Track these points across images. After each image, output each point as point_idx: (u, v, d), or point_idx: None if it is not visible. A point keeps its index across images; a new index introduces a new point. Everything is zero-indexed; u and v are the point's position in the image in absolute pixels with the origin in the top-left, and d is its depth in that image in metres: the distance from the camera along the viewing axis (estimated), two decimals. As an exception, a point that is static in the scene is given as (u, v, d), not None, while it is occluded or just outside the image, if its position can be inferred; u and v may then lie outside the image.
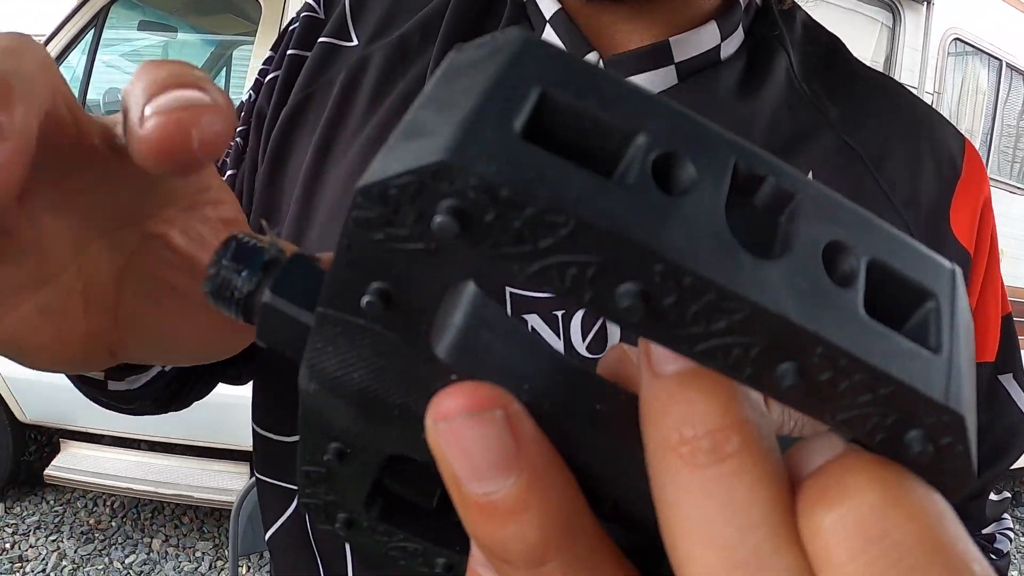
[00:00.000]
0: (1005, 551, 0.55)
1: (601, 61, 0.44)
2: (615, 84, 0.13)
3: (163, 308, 0.26)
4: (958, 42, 2.40)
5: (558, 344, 0.42)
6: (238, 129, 0.53)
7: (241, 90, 2.44)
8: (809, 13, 0.53)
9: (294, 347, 0.17)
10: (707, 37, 0.45)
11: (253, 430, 0.50)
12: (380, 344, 0.16)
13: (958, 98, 2.53)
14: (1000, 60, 2.75)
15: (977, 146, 2.53)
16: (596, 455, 0.16)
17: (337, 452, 0.19)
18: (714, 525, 0.13)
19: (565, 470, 0.15)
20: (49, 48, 2.34)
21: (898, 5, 2.26)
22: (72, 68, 2.49)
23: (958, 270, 0.15)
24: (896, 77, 2.29)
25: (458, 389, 0.14)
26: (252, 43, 2.31)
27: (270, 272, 0.18)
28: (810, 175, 0.44)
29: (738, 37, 0.47)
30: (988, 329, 0.50)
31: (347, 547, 0.46)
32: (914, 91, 2.24)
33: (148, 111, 0.20)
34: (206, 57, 3.00)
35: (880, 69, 2.22)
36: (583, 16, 0.45)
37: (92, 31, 2.40)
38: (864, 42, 2.26)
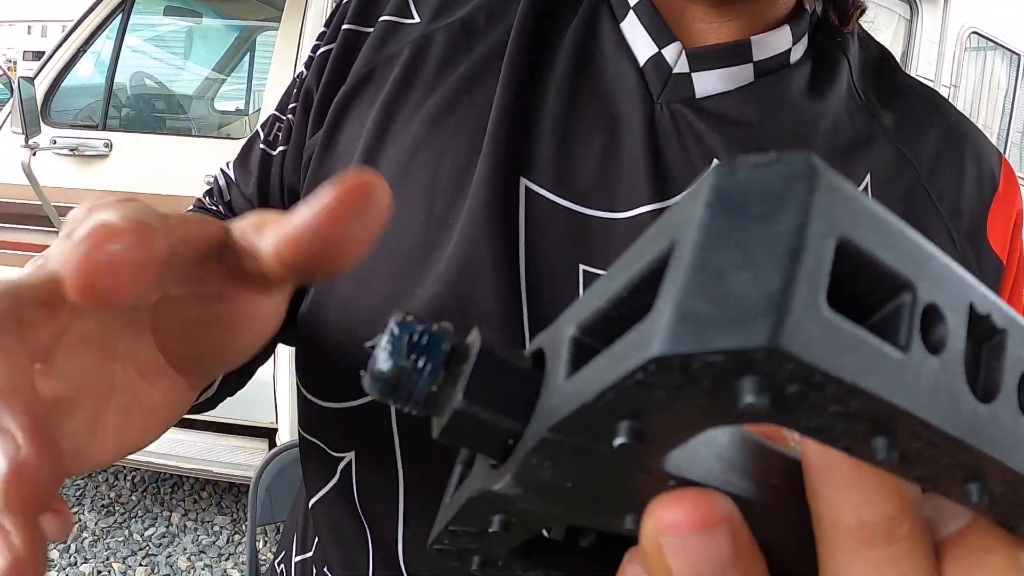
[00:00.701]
0: None
1: (684, 52, 0.45)
2: (894, 226, 0.13)
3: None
4: (976, 36, 2.41)
5: None
6: (290, 106, 0.54)
7: (265, 76, 2.47)
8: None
9: (481, 446, 0.17)
10: (781, 40, 0.47)
11: (299, 393, 0.50)
12: (603, 459, 0.15)
13: (975, 92, 2.53)
14: (1019, 55, 2.75)
15: (993, 140, 2.53)
16: (775, 531, 0.17)
17: (502, 523, 0.18)
18: None
19: (763, 559, 0.16)
20: (77, 33, 2.39)
21: (917, -1, 2.28)
22: (97, 53, 2.54)
23: None
24: (913, 70, 2.30)
25: (684, 501, 0.15)
26: (276, 29, 2.35)
27: (453, 366, 0.17)
28: (868, 178, 0.47)
29: (803, 43, 0.49)
30: None
31: (399, 513, 0.46)
32: (931, 84, 2.24)
33: (320, 201, 0.22)
34: (230, 42, 3.05)
35: (897, 61, 2.21)
36: (667, 7, 0.47)
37: (120, 16, 2.44)
38: (882, 34, 2.27)
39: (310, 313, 0.49)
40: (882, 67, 0.53)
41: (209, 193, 0.60)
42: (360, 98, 0.50)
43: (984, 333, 0.15)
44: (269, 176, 0.55)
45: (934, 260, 0.14)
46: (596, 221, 0.44)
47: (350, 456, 0.48)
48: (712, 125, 0.45)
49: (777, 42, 0.47)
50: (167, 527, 2.55)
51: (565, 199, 0.44)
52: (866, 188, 0.46)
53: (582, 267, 0.43)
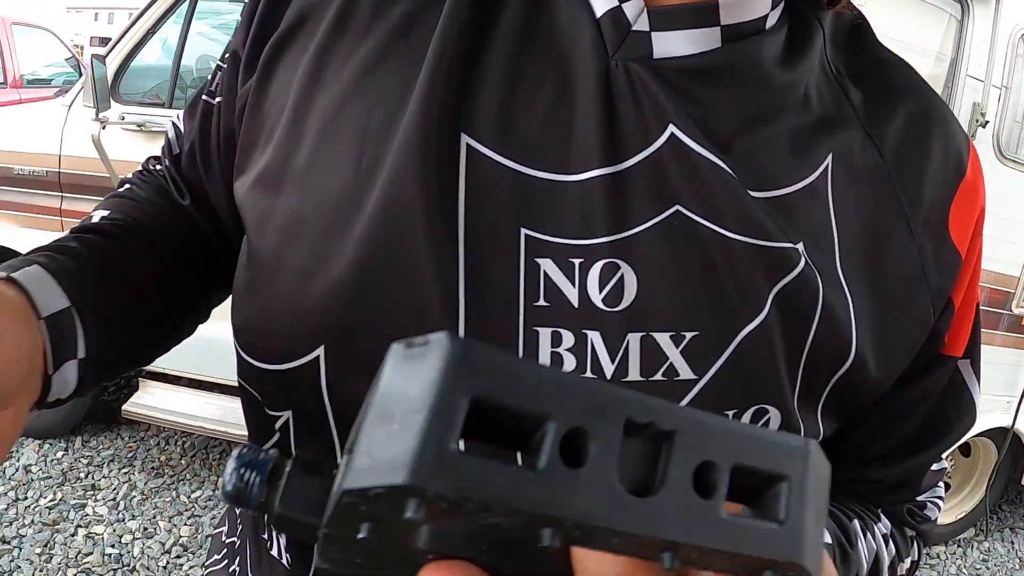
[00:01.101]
0: (932, 518, 0.59)
1: (646, 10, 0.42)
2: (531, 374, 0.18)
3: None
4: (1029, 38, 2.39)
5: (572, 292, 0.41)
6: (225, 56, 0.53)
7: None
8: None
9: (304, 535, 0.23)
10: (759, 5, 0.44)
11: (236, 350, 0.49)
12: (367, 545, 0.21)
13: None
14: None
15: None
16: None
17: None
18: None
19: None
20: (145, 17, 2.50)
21: (970, -1, 2.27)
22: (164, 39, 2.65)
23: (812, 446, 0.20)
24: (963, 70, 2.29)
25: (432, 572, 0.21)
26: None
27: (274, 480, 0.23)
28: (829, 158, 0.45)
29: (780, 7, 0.46)
30: (963, 328, 0.52)
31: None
32: (982, 84, 2.19)
33: None
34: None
35: (948, 62, 2.16)
36: None
37: (187, 2, 2.54)
38: (932, 33, 2.27)
39: (240, 273, 0.48)
40: (854, 36, 0.50)
41: (163, 148, 0.60)
42: (293, 44, 0.47)
43: (655, 436, 0.19)
44: (209, 125, 0.54)
45: (580, 394, 0.18)
46: (542, 183, 0.41)
47: (287, 415, 0.48)
48: (670, 88, 0.42)
49: (753, 6, 0.44)
50: (213, 491, 2.66)
51: (510, 159, 0.41)
52: (826, 168, 0.45)
53: (524, 231, 0.41)
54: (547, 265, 0.41)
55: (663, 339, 0.41)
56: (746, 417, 0.43)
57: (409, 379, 0.17)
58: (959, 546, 3.08)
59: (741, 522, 0.19)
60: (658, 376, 0.41)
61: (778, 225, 0.42)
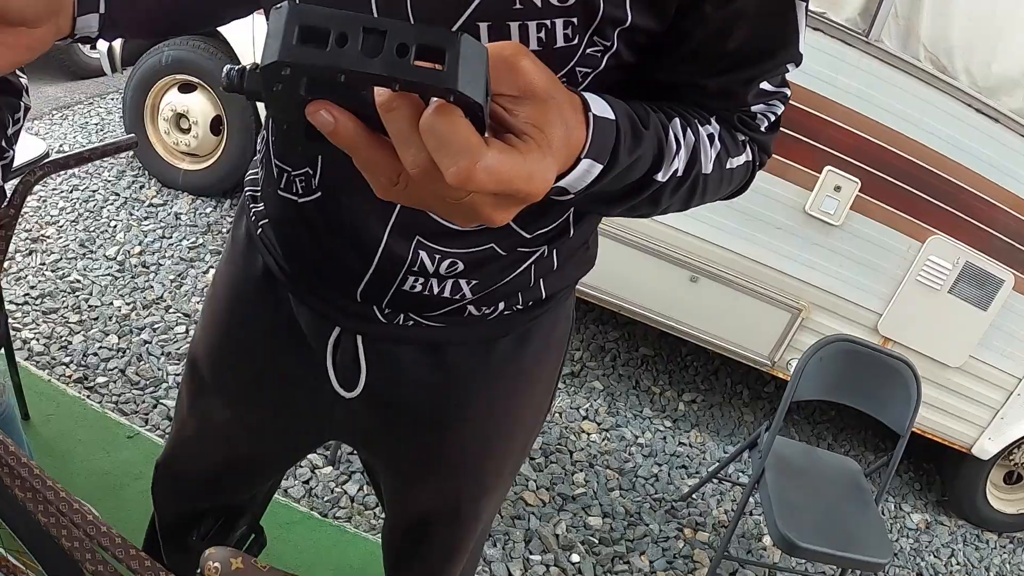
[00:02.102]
0: (763, 127, 0.68)
1: None
2: (327, 14, 0.34)
3: None
4: None
5: None
6: None
7: None
8: None
9: (261, 98, 0.39)
10: None
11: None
12: (285, 95, 0.38)
13: None
14: None
15: None
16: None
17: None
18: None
19: (359, 124, 0.38)
20: None
21: None
22: None
23: (463, 36, 0.35)
24: None
25: (312, 107, 0.37)
26: None
27: (244, 73, 0.39)
28: None
29: None
30: None
31: (393, 215, 0.70)
32: None
33: None
34: None
35: None
36: None
37: None
38: None
39: None
40: None
41: None
42: None
43: (380, 34, 0.36)
44: None
45: (348, 18, 0.35)
46: None
47: None
48: None
49: None
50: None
51: None
52: None
53: None
54: None
55: None
56: None
57: (274, 20, 0.35)
58: (1011, 542, 3.03)
59: (423, 69, 0.35)
60: None
61: None
